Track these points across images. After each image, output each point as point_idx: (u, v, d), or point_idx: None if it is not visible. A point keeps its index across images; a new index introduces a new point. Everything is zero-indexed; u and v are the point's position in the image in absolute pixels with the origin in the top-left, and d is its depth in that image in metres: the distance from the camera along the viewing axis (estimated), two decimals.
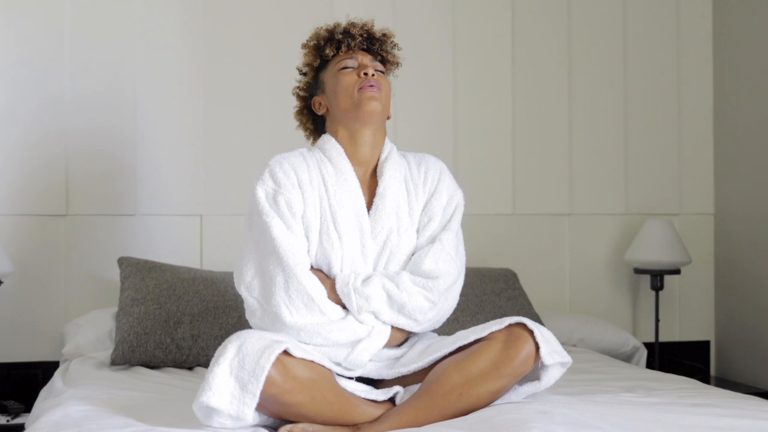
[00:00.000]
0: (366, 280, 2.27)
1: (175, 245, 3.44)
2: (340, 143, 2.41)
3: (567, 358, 2.16)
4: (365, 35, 2.47)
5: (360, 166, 2.41)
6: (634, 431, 1.91)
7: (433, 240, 2.38)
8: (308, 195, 2.31)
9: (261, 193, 2.30)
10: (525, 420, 1.92)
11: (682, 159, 3.98)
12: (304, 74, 2.54)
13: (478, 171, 3.73)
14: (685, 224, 3.96)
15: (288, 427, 2.03)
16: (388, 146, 2.45)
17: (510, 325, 2.12)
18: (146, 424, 2.03)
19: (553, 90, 3.86)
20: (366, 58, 2.44)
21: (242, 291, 2.29)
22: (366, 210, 2.35)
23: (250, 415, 1.96)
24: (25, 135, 3.35)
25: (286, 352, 2.01)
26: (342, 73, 2.41)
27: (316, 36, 2.49)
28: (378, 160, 2.43)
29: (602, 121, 3.91)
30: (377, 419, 2.10)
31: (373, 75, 2.38)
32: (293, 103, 2.58)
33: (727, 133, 3.94)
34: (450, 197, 2.44)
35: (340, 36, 2.46)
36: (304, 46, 2.51)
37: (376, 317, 2.26)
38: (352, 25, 2.48)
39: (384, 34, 2.51)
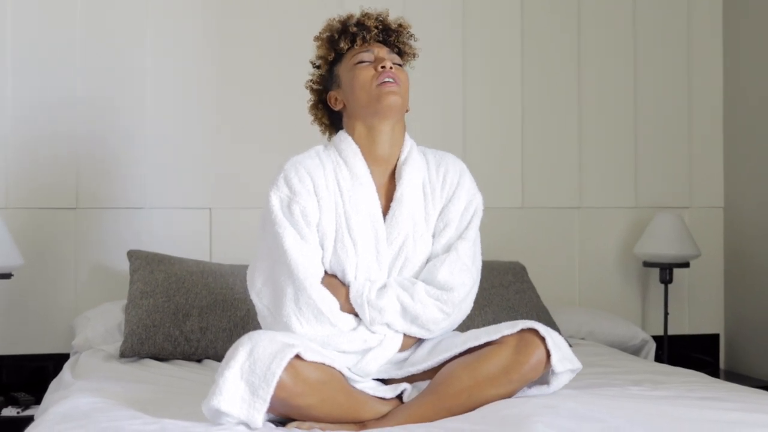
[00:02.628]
0: (380, 290, 2.22)
1: (185, 238, 3.45)
2: (357, 140, 2.32)
3: (577, 365, 2.15)
4: (380, 27, 2.36)
5: (378, 165, 2.32)
6: (641, 425, 1.90)
7: (448, 248, 2.31)
8: (324, 202, 2.23)
9: (275, 200, 2.22)
10: (531, 414, 1.92)
11: (692, 152, 3.97)
12: (318, 67, 2.44)
13: (487, 164, 3.72)
14: (694, 217, 3.95)
15: (296, 423, 2.03)
16: (408, 144, 2.38)
17: (522, 330, 2.09)
18: (154, 417, 2.04)
19: (562, 83, 3.85)
20: (382, 51, 2.34)
21: (253, 296, 2.25)
22: (382, 216, 2.28)
23: (260, 420, 1.94)
24: (37, 127, 3.36)
25: (297, 356, 1.98)
26: (358, 67, 2.31)
27: (330, 28, 2.39)
28: (397, 160, 2.35)
29: (612, 114, 3.90)
30: (384, 416, 2.09)
31: (390, 68, 2.29)
32: (305, 96, 2.49)
33: (737, 127, 3.92)
34: (468, 202, 2.37)
35: (355, 29, 2.35)
36: (317, 38, 2.40)
37: (389, 327, 2.23)
38: (367, 16, 2.37)
39: (400, 25, 2.40)
